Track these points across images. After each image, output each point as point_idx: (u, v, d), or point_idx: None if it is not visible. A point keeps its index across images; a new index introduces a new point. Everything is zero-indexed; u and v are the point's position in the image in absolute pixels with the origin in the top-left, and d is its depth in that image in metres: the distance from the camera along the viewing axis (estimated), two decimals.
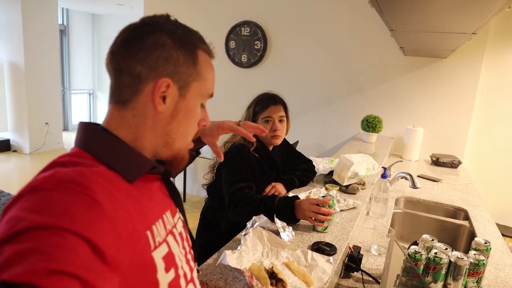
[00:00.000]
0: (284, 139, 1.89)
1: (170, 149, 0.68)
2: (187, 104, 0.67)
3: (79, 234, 0.43)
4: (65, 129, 7.31)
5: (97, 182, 0.52)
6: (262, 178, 1.67)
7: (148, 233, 0.58)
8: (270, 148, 1.75)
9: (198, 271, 0.81)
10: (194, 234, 1.75)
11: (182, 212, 0.77)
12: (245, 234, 1.09)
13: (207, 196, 1.81)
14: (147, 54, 0.62)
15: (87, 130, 0.63)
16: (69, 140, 6.38)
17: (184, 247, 0.71)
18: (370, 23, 3.19)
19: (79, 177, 0.51)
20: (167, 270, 0.60)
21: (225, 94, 3.93)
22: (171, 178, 0.77)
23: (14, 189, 4.17)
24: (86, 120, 7.47)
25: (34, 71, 5.41)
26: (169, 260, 0.62)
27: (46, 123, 5.66)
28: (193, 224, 1.79)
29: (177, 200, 0.76)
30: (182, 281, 0.65)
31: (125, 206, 0.55)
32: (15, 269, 0.37)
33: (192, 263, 0.74)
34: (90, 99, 7.97)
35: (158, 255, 0.59)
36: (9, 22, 5.32)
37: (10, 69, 5.50)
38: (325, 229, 1.29)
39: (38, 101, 5.53)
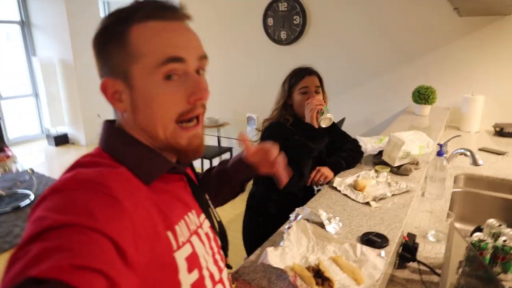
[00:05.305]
0: None
1: (159, 141, 0.62)
2: (139, 92, 0.59)
3: (101, 231, 0.45)
4: None
5: (117, 182, 0.53)
6: None
7: (169, 233, 0.58)
8: None
9: (230, 267, 0.80)
10: (240, 221, 1.76)
11: (207, 213, 0.74)
12: (288, 228, 1.03)
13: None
14: (97, 62, 0.63)
15: (106, 130, 0.64)
16: None
17: (211, 247, 0.69)
18: None
19: (99, 177, 0.52)
20: (189, 270, 0.59)
21: (267, 74, 3.84)
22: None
23: None
24: None
25: (82, 65, 5.64)
26: (193, 261, 0.61)
27: (98, 115, 5.94)
28: (240, 209, 1.78)
29: (201, 202, 0.73)
30: (208, 282, 0.64)
31: (145, 205, 0.55)
32: (41, 265, 0.38)
33: (221, 263, 0.72)
34: None
35: (180, 256, 0.58)
36: (56, 22, 5.55)
37: (61, 66, 5.80)
38: (323, 113, 1.52)
39: (89, 94, 5.78)
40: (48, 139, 6.10)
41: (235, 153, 4.12)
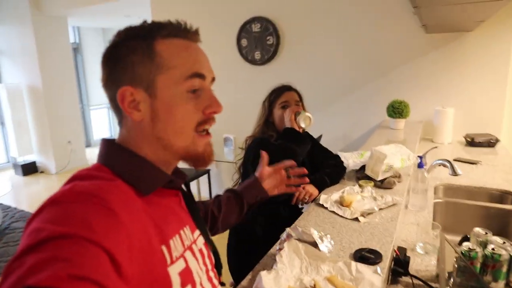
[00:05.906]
0: (307, 133, 1.82)
1: (174, 151, 0.65)
2: (162, 101, 0.63)
3: (98, 244, 0.45)
4: (88, 145, 7.36)
5: (114, 194, 0.53)
6: None
7: (164, 247, 0.58)
8: None
9: (223, 284, 0.80)
10: (225, 244, 1.70)
11: (202, 229, 0.74)
12: (279, 249, 0.99)
13: None
14: (112, 72, 0.64)
15: (106, 146, 0.65)
16: (92, 156, 6.39)
17: (205, 264, 0.69)
18: (386, 2, 3.03)
19: (97, 189, 0.52)
20: (183, 286, 0.60)
21: (242, 94, 3.84)
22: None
23: None
24: (108, 134, 7.36)
25: (52, 91, 5.46)
26: (186, 276, 0.61)
27: (69, 142, 5.73)
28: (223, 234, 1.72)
29: (195, 218, 0.73)
30: None
31: (140, 219, 0.56)
32: (39, 275, 0.38)
33: (215, 280, 0.72)
34: (109, 113, 8.00)
35: (174, 271, 0.59)
36: (23, 47, 5.39)
37: (29, 92, 5.59)
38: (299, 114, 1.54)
39: (58, 120, 5.60)
40: (15, 168, 5.81)
41: (212, 175, 4.08)
